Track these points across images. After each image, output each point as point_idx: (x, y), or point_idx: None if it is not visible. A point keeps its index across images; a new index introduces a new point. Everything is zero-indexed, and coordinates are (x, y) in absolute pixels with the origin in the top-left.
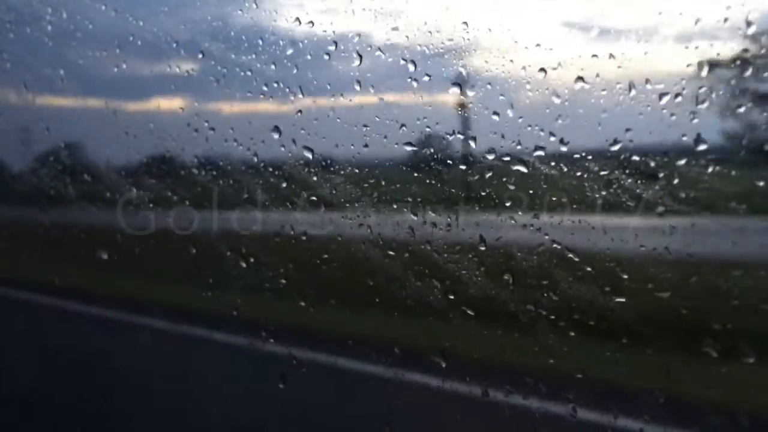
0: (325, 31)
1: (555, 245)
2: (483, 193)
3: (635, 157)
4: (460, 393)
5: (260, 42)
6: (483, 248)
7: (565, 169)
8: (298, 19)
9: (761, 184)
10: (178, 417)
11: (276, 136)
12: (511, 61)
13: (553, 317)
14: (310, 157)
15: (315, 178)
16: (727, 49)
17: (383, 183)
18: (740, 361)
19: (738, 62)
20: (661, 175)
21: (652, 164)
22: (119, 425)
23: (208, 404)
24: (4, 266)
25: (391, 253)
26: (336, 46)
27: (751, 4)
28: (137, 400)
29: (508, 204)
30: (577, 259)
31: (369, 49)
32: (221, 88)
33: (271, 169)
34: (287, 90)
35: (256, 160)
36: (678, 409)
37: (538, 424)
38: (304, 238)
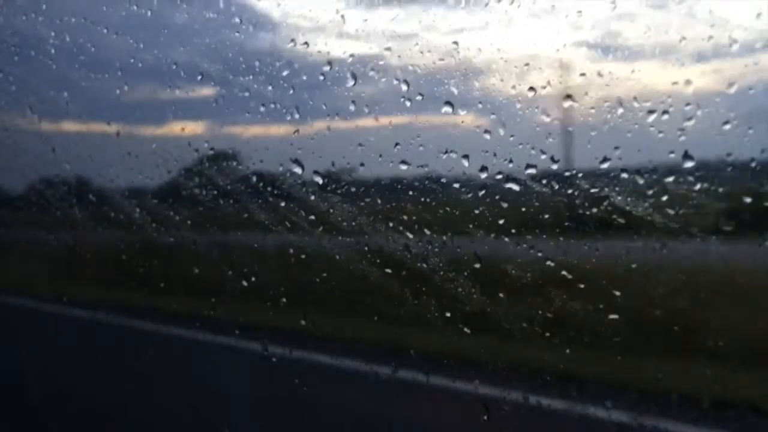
0: (320, 52)
1: (548, 263)
2: (476, 211)
3: (624, 175)
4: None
5: (257, 63)
6: (478, 266)
7: (557, 187)
8: (293, 40)
9: (748, 200)
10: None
11: (273, 156)
12: (502, 80)
13: (547, 334)
14: (310, 178)
15: (313, 198)
16: (713, 66)
17: (379, 201)
18: (733, 375)
19: (723, 79)
20: (650, 192)
21: (641, 181)
22: None
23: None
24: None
25: (388, 271)
26: (330, 67)
27: (735, 21)
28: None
29: (501, 222)
30: (570, 277)
31: (363, 69)
32: (220, 109)
33: (269, 189)
34: (284, 110)
35: (254, 179)
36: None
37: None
38: (303, 256)
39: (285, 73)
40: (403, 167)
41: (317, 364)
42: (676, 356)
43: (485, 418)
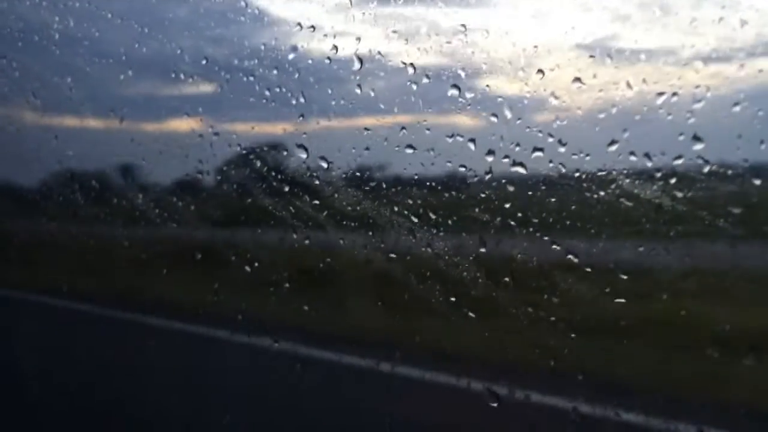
0: (325, 36)
1: (555, 247)
2: (482, 195)
3: (633, 158)
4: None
5: (263, 47)
6: (483, 251)
7: (564, 170)
8: (299, 24)
9: (758, 182)
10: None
11: (279, 141)
12: (510, 63)
13: (553, 319)
14: (317, 163)
15: (317, 182)
16: (723, 47)
17: (384, 186)
18: (738, 360)
19: (734, 60)
20: (658, 174)
21: (650, 164)
22: None
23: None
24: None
25: (393, 256)
26: (336, 51)
27: (746, 2)
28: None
29: (507, 206)
30: (576, 261)
31: (369, 52)
32: (225, 94)
33: (274, 174)
34: (289, 94)
35: (259, 164)
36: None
37: (540, 423)
38: (307, 242)
39: (290, 57)
40: (409, 151)
41: (319, 354)
42: (682, 346)
43: (494, 405)
